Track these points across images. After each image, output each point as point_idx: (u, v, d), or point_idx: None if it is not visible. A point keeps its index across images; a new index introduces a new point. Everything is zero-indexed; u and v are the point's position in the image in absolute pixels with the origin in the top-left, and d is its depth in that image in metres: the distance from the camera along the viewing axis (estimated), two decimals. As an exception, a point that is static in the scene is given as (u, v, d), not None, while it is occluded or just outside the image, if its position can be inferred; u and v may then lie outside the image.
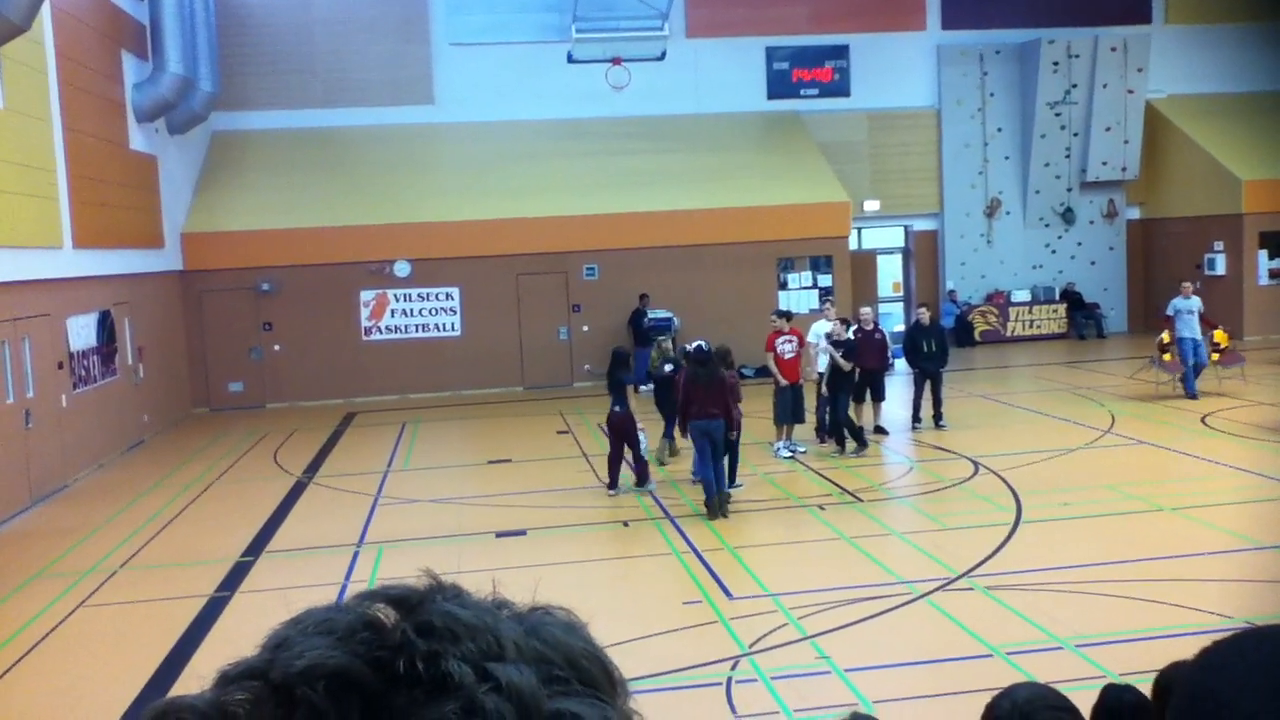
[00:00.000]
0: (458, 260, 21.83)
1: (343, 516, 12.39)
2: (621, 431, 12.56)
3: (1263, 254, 24.24)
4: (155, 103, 18.85)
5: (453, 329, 22.13)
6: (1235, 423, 15.11)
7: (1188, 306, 17.15)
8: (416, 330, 22.03)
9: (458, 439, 17.78)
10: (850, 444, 14.37)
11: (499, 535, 11.24)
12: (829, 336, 14.67)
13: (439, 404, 20.92)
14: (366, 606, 0.69)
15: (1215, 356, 17.81)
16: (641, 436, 12.71)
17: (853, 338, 14.78)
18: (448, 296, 22.05)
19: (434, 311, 22.06)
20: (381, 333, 21.94)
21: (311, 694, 0.63)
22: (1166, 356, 17.01)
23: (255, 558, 10.86)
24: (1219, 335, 18.06)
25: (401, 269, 21.73)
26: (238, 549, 11.14)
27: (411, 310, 21.99)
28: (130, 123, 18.43)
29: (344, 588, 9.72)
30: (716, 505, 11.45)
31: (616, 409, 12.57)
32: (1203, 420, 15.41)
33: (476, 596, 0.73)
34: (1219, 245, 24.59)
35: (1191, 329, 17.06)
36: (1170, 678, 2.80)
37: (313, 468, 15.36)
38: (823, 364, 14.76)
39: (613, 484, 12.71)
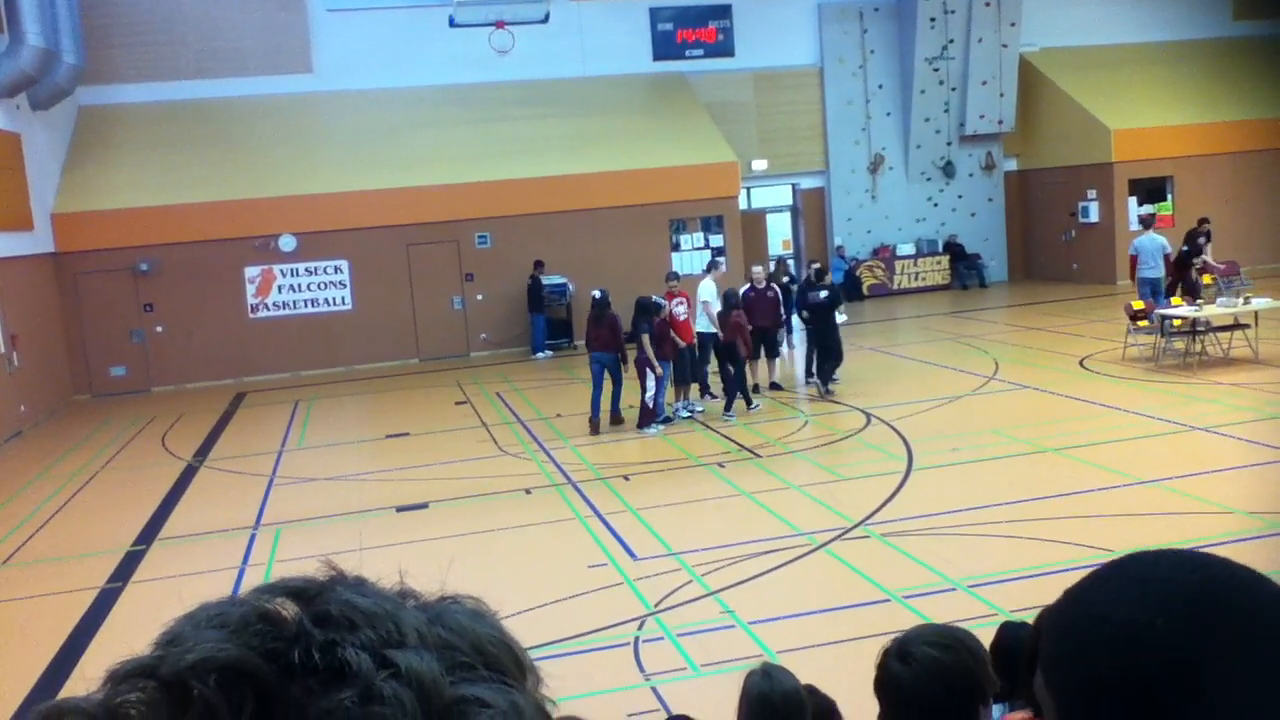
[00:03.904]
0: (345, 232, 21.39)
1: (237, 499, 12.12)
2: (641, 373, 13.68)
3: (1132, 200, 25.18)
4: (15, 77, 17.95)
5: (343, 303, 21.72)
6: (1111, 364, 15.75)
7: (1145, 245, 16.93)
8: (306, 305, 21.56)
9: (354, 414, 17.51)
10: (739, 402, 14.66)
11: (400, 510, 11.14)
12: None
13: (332, 380, 20.56)
14: (263, 599, 0.67)
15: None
16: (650, 384, 13.54)
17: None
18: (336, 270, 21.61)
19: (323, 286, 21.61)
20: (269, 309, 21.41)
21: (203, 688, 0.61)
22: (1142, 323, 15.87)
23: (147, 546, 10.57)
24: (1206, 279, 17.54)
25: (287, 243, 21.20)
26: (128, 538, 10.83)
27: (299, 285, 21.50)
28: (-12, 99, 17.57)
29: (242, 571, 9.54)
30: (595, 423, 13.95)
31: (640, 354, 13.69)
32: (1081, 364, 16.02)
33: (380, 586, 0.71)
34: (1092, 194, 25.47)
35: (1154, 268, 16.71)
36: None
37: (203, 451, 14.97)
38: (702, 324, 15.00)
39: (650, 420, 13.88)
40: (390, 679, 0.63)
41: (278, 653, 0.63)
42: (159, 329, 20.83)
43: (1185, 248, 18.46)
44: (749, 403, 14.58)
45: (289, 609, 0.66)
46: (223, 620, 0.66)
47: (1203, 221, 19.66)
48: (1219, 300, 16.07)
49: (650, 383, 13.62)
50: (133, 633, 7.93)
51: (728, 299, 14.48)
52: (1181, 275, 17.95)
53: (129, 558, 10.20)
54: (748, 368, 14.87)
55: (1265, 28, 28.06)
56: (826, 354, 15.43)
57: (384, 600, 0.69)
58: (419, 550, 9.53)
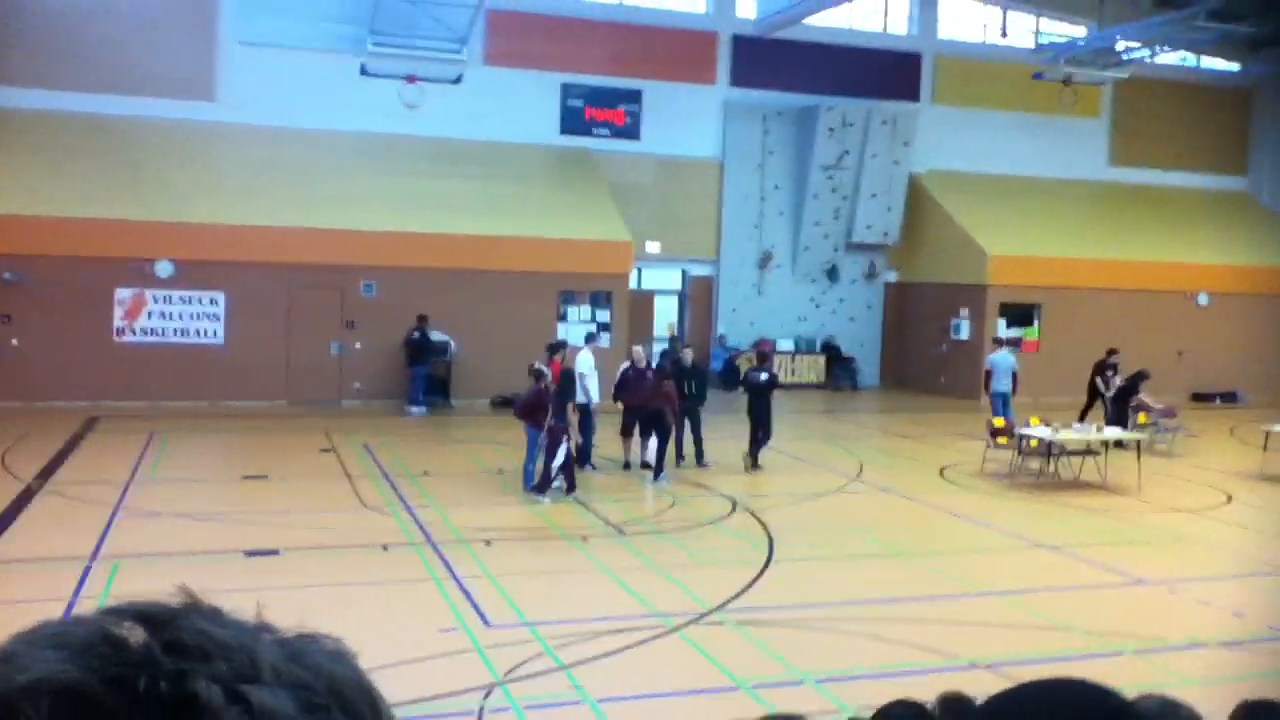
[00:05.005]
0: (227, 265, 20.88)
1: (76, 527, 11.55)
2: (554, 441, 13.51)
3: (1001, 322, 26.29)
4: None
5: (215, 335, 21.11)
6: (969, 476, 16.28)
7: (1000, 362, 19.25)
8: (175, 334, 20.89)
9: (212, 452, 16.93)
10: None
11: (249, 554, 10.76)
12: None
13: (195, 414, 19.88)
14: (110, 621, 0.63)
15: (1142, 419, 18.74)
16: (560, 452, 13.48)
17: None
18: (212, 301, 21.04)
19: (196, 316, 20.99)
20: (135, 334, 20.68)
21: (34, 713, 0.57)
22: (1001, 440, 16.50)
23: (-28, 568, 9.97)
24: (1142, 418, 18.74)
25: (163, 269, 20.59)
26: (-48, 557, 10.21)
27: (171, 313, 20.84)
28: None
29: (71, 604, 9.06)
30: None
31: (554, 421, 13.56)
32: (940, 473, 16.52)
33: (237, 618, 0.68)
34: (964, 312, 26.53)
35: (1004, 384, 19.01)
36: None
37: (46, 474, 14.26)
38: (593, 393, 15.19)
39: (569, 487, 13.84)
40: (241, 715, 0.60)
41: (123, 679, 0.59)
42: (14, 342, 19.90)
43: (1122, 384, 19.37)
44: (657, 472, 15.00)
45: (137, 634, 0.62)
46: (64, 640, 0.61)
47: (1111, 352, 20.41)
48: (1074, 427, 16.83)
49: (562, 451, 13.56)
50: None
51: (660, 370, 15.09)
52: (1118, 410, 18.89)
53: (-50, 578, 9.61)
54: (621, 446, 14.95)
55: (1138, 175, 29.96)
56: (760, 431, 15.93)
57: (241, 632, 0.66)
58: (265, 598, 9.16)
